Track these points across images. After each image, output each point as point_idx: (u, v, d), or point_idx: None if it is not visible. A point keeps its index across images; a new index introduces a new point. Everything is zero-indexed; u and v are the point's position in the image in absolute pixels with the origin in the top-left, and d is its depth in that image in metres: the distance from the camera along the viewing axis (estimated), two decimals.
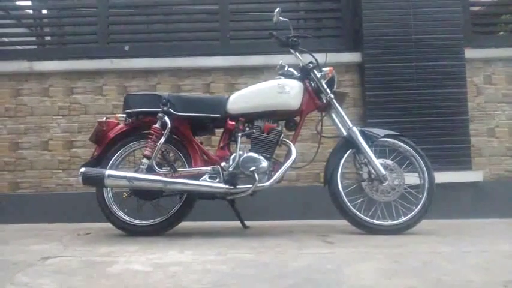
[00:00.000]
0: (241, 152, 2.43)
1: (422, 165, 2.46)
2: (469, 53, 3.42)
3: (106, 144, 2.55)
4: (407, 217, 2.41)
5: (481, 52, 3.49)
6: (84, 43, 3.71)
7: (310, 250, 1.95)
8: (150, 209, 2.54)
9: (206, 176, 2.42)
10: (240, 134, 2.48)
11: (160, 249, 2.02)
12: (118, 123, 2.58)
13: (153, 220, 2.48)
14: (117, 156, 2.55)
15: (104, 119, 2.59)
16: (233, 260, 1.77)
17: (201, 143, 2.69)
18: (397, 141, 2.51)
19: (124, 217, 2.48)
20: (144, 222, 2.48)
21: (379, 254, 1.85)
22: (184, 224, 2.59)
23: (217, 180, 2.41)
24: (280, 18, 2.59)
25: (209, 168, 2.44)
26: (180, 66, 3.45)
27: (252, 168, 2.35)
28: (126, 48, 3.55)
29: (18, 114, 3.43)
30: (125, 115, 2.54)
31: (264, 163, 2.39)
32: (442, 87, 3.35)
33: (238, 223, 2.61)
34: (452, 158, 3.29)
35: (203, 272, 1.59)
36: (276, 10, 2.58)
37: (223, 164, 2.44)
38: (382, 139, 2.49)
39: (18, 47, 3.68)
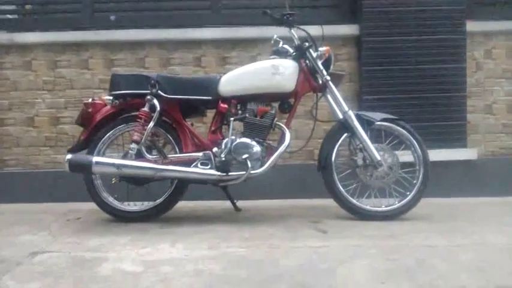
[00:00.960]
0: (233, 137, 2.36)
1: (419, 150, 2.42)
2: (470, 26, 3.29)
3: (93, 128, 2.46)
4: (402, 203, 2.40)
5: (482, 25, 3.35)
6: (66, 12, 3.49)
7: (302, 243, 1.93)
8: (140, 193, 2.50)
9: (198, 163, 2.35)
10: (232, 119, 2.39)
11: (152, 241, 1.99)
12: (105, 105, 2.47)
13: (143, 206, 2.44)
14: (105, 139, 2.46)
15: (90, 100, 2.49)
16: (225, 257, 1.74)
17: (192, 124, 2.62)
18: (393, 125, 2.45)
19: (114, 203, 2.43)
20: (135, 208, 2.45)
21: (372, 248, 1.84)
22: (178, 205, 2.55)
23: (209, 166, 2.35)
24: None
25: (200, 154, 2.37)
26: (168, 38, 3.28)
27: (244, 156, 2.29)
28: (112, 18, 3.36)
29: (1, 89, 3.28)
30: (111, 97, 2.43)
31: (257, 149, 2.33)
32: (441, 63, 3.25)
33: (231, 205, 2.57)
34: (447, 136, 3.24)
35: (195, 273, 1.57)
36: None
37: (215, 149, 2.37)
38: (378, 123, 2.42)
39: None
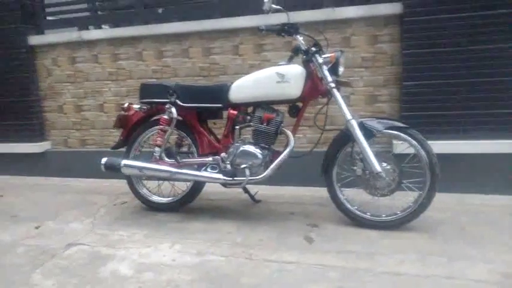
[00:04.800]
0: (238, 144, 2.54)
1: (427, 161, 2.29)
2: None
3: (129, 129, 2.86)
4: (403, 213, 2.36)
5: None
6: (122, 9, 3.85)
7: (279, 255, 2.12)
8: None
9: (208, 166, 2.62)
10: (238, 127, 2.56)
11: (160, 239, 2.38)
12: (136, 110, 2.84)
13: (169, 199, 2.84)
14: (140, 139, 2.86)
15: (126, 104, 2.86)
16: (202, 267, 2.03)
17: (214, 123, 2.85)
18: (401, 134, 2.34)
19: (146, 195, 2.88)
20: (162, 200, 2.86)
21: (335, 270, 1.94)
22: (212, 190, 2.94)
23: (217, 170, 2.59)
24: (273, 6, 2.40)
25: (210, 158, 2.61)
26: (208, 28, 3.44)
27: (243, 165, 2.48)
28: (160, 11, 3.62)
29: (78, 80, 3.88)
30: (139, 105, 2.78)
31: (259, 156, 2.48)
32: (498, 42, 2.85)
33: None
34: (500, 125, 2.92)
35: (165, 283, 1.90)
36: None
37: (223, 154, 2.59)
38: (385, 131, 2.34)
39: (69, 16, 3.96)
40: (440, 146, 2.99)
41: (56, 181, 3.79)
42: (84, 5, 3.92)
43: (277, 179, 3.24)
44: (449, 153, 2.99)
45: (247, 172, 2.48)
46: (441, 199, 2.83)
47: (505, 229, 2.33)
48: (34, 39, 3.87)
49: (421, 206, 2.32)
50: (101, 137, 3.90)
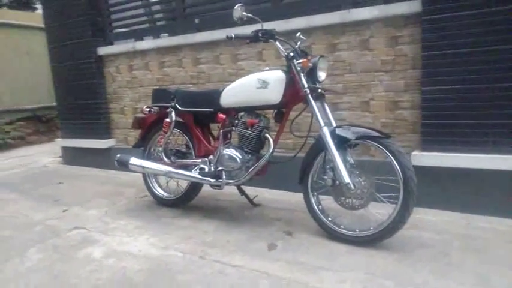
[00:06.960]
0: (222, 148, 2.63)
1: (401, 175, 2.09)
2: None
3: (146, 129, 3.16)
4: (376, 230, 2.18)
5: None
6: (166, 20, 4.22)
7: (229, 258, 2.15)
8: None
9: (198, 167, 2.76)
10: (222, 131, 2.65)
11: (144, 231, 2.61)
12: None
13: (172, 196, 3.07)
14: (155, 137, 3.14)
15: (145, 107, 3.17)
16: (157, 260, 2.18)
17: (218, 127, 2.98)
18: (374, 144, 2.17)
19: (154, 190, 3.15)
20: (167, 196, 3.10)
21: (271, 279, 1.91)
22: (225, 190, 2.94)
23: (206, 171, 2.72)
24: (244, 13, 2.42)
25: (199, 160, 2.76)
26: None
27: (221, 168, 2.57)
28: (197, 21, 3.88)
29: (134, 86, 4.37)
30: (148, 108, 3.06)
31: (238, 161, 2.53)
32: None
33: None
34: None
35: (118, 269, 2.09)
36: (236, 6, 2.41)
37: (210, 157, 2.71)
38: (355, 140, 2.20)
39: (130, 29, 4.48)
40: (462, 160, 2.67)
41: (110, 174, 4.32)
42: (143, 18, 4.38)
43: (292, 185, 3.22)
44: (472, 168, 2.64)
45: (224, 175, 2.56)
46: (448, 219, 2.54)
47: (492, 259, 2.00)
48: (102, 50, 4.47)
49: (394, 224, 2.12)
50: None
